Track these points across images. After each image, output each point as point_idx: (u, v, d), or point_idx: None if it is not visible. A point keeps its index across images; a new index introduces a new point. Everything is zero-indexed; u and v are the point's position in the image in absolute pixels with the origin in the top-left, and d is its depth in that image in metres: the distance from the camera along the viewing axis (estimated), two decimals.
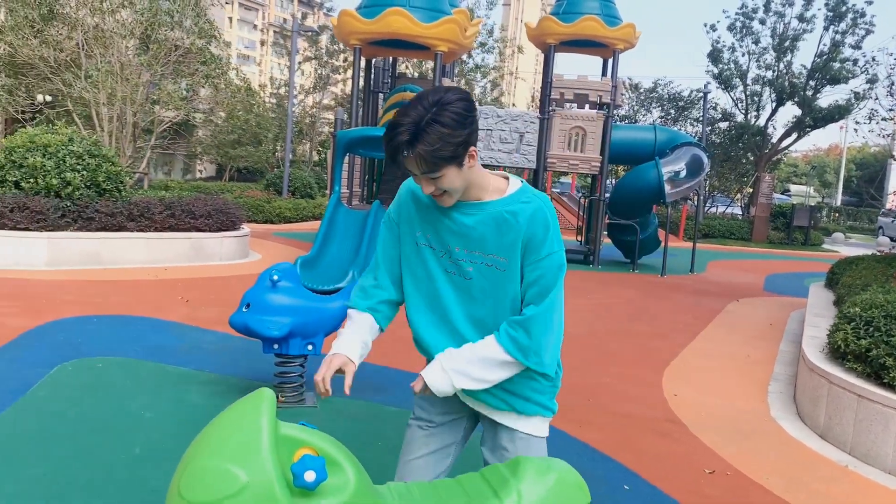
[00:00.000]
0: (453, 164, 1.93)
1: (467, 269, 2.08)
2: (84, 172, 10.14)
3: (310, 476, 1.61)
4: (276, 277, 4.87)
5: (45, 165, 9.86)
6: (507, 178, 2.11)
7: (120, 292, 8.41)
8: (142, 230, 10.58)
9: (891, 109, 14.17)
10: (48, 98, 13.41)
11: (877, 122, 16.08)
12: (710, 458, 4.72)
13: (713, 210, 33.63)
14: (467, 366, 2.04)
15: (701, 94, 30.21)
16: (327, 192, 10.37)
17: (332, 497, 1.67)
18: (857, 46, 27.90)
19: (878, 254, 11.52)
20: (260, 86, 36.25)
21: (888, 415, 4.74)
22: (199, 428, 4.36)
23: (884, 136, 14.05)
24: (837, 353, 5.57)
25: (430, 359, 2.18)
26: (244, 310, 4.84)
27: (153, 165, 24.70)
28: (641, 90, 35.53)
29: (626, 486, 4.10)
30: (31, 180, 9.85)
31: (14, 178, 9.89)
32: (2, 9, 12.18)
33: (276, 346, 4.92)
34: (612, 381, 6.33)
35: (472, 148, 1.96)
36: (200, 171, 33.19)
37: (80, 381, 5.18)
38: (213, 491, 1.58)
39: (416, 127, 1.88)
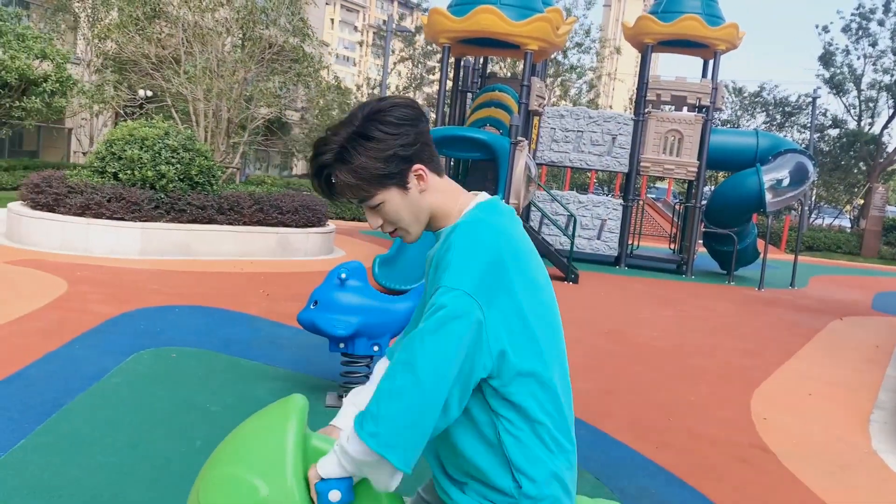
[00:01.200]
0: (390, 185, 1.54)
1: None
2: (178, 165, 10.45)
3: (334, 496, 1.51)
4: (343, 276, 4.79)
5: (141, 158, 10.21)
6: (475, 195, 1.65)
7: (204, 283, 8.59)
8: (231, 223, 10.82)
9: None
10: (149, 93, 13.96)
11: None
12: (799, 491, 4.32)
13: (819, 221, 31.87)
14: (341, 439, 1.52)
15: (809, 100, 28.69)
16: None
17: None
18: None
19: None
20: (356, 86, 36.85)
21: None
22: None
23: None
24: None
25: None
26: (312, 307, 4.79)
27: (249, 161, 25.49)
28: (745, 94, 34.08)
29: None
30: (129, 172, 10.22)
31: (113, 170, 10.29)
32: (114, 8, 12.75)
33: (341, 346, 4.84)
34: (696, 400, 5.95)
35: (418, 166, 1.55)
36: (295, 166, 34.03)
37: (153, 370, 5.25)
38: (231, 501, 1.52)
39: (340, 144, 1.53)
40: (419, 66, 33.57)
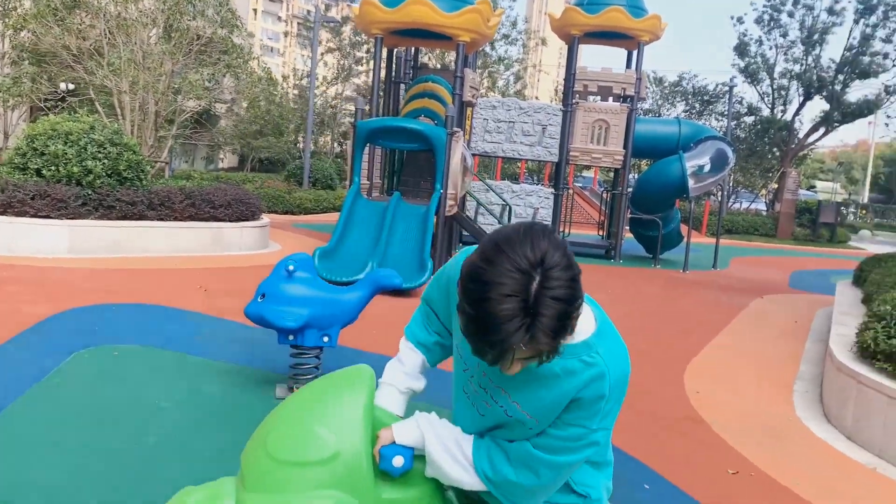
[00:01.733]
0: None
1: (483, 405, 1.64)
2: (105, 161, 10.16)
3: (398, 461, 1.61)
4: (291, 267, 4.80)
5: (66, 153, 9.88)
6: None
7: (139, 281, 8.41)
8: (162, 219, 10.59)
9: None
10: (71, 86, 13.46)
11: None
12: (733, 458, 4.60)
13: (737, 206, 33.21)
14: (441, 439, 1.64)
15: (726, 88, 29.82)
16: (347, 182, 10.30)
17: (412, 488, 1.66)
18: (888, 40, 27.35)
19: None
20: (283, 76, 36.29)
21: None
22: (215, 418, 4.33)
23: None
24: (867, 352, 5.41)
25: None
26: (259, 300, 4.78)
27: (176, 155, 24.85)
28: (666, 84, 35.14)
29: (646, 486, 3.99)
30: (53, 168, 9.88)
31: (36, 166, 9.93)
32: None
33: (291, 338, 4.85)
34: (632, 378, 6.18)
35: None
36: (222, 160, 33.31)
37: (96, 369, 5.16)
38: (304, 453, 1.58)
39: (524, 303, 1.30)
40: (347, 56, 33.32)
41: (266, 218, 12.68)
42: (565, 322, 1.32)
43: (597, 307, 1.63)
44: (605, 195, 19.47)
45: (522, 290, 1.29)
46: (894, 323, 5.30)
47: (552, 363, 1.49)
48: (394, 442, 1.63)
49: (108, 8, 11.79)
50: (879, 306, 5.76)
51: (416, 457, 1.66)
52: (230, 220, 11.40)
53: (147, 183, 10.83)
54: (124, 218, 10.22)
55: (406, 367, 1.87)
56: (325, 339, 4.90)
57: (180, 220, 10.76)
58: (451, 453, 1.63)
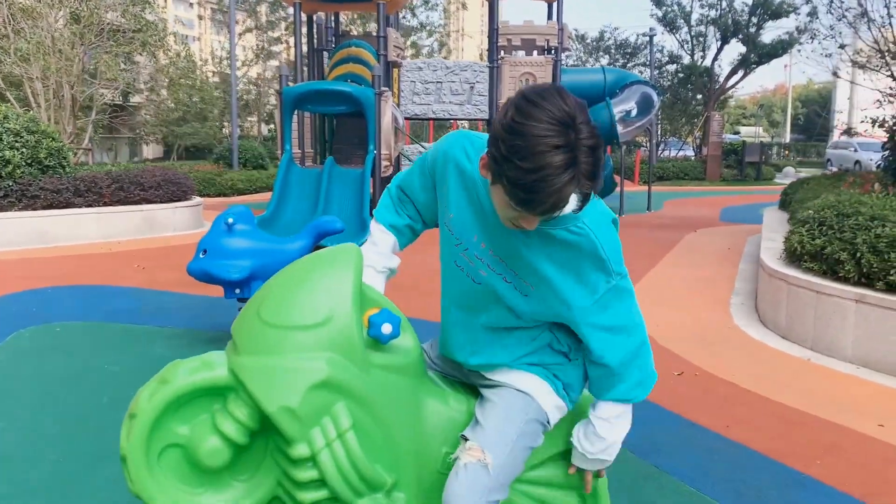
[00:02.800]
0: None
1: (482, 275, 1.72)
2: (24, 150, 9.79)
3: (386, 328, 1.66)
4: (231, 220, 4.78)
5: None
6: None
7: (73, 266, 8.19)
8: (90, 205, 10.28)
9: (831, 27, 14.40)
10: None
11: (819, 42, 16.35)
12: (678, 363, 4.81)
13: (666, 153, 33.98)
14: (601, 440, 1.80)
15: (647, 39, 30.34)
16: (278, 152, 10.18)
17: (397, 356, 1.72)
18: None
19: (828, 173, 11.77)
20: (202, 60, 35.32)
21: (846, 307, 4.87)
22: None
23: (826, 56, 14.32)
24: (794, 255, 5.69)
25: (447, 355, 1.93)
26: (201, 256, 4.75)
27: (96, 148, 24.03)
28: (589, 40, 35.53)
29: None
30: None
31: None
32: None
33: (237, 291, 4.84)
34: None
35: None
36: (147, 155, 32.38)
37: (40, 344, 5.05)
38: (298, 317, 1.62)
39: (572, 152, 1.38)
40: (264, 36, 32.62)
41: (198, 198, 12.44)
42: (597, 170, 1.41)
43: (593, 204, 1.72)
44: None
45: (568, 141, 1.37)
46: (817, 226, 5.58)
47: (544, 228, 1.59)
48: (382, 309, 1.69)
49: None
50: (802, 213, 6.05)
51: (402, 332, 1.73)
52: (161, 202, 11.15)
53: (71, 170, 10.50)
54: (50, 207, 9.90)
55: (380, 248, 1.94)
56: None
57: (110, 205, 10.47)
58: (606, 436, 1.81)
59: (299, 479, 1.60)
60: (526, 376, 1.82)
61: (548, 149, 1.36)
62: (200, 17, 47.43)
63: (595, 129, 1.42)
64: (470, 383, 1.94)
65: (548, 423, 1.84)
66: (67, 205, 10.04)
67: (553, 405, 1.83)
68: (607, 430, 1.78)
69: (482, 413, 1.79)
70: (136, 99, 21.48)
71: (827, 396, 4.19)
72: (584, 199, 1.45)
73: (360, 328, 1.66)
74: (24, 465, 3.17)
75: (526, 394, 1.80)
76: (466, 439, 1.74)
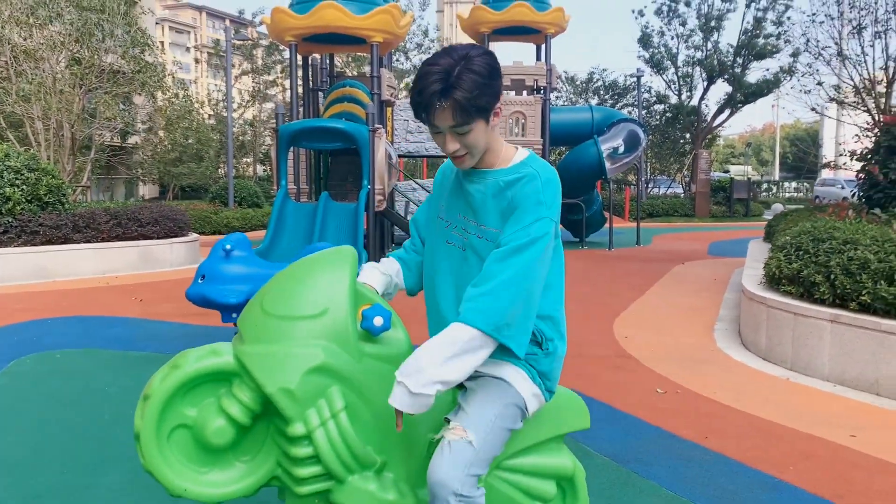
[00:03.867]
0: (484, 116, 1.85)
1: (464, 240, 2.01)
2: (24, 187, 10.00)
3: (378, 321, 1.85)
4: (228, 247, 4.97)
5: None
6: (516, 149, 2.03)
7: (72, 299, 8.33)
8: (88, 241, 10.46)
9: (809, 65, 14.86)
10: None
11: (797, 79, 16.81)
12: (661, 382, 4.97)
13: (656, 191, 34.43)
14: (426, 359, 1.78)
15: (635, 80, 30.99)
16: (273, 188, 10.41)
17: (388, 347, 1.92)
18: (778, 22, 28.94)
19: (810, 206, 12.06)
20: (199, 103, 35.87)
21: (822, 327, 5.06)
22: None
23: (805, 92, 14.75)
24: (773, 279, 5.89)
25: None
26: (200, 281, 4.92)
27: (94, 187, 24.29)
28: (578, 82, 36.25)
29: None
30: None
31: None
32: None
33: (234, 315, 5.00)
34: (569, 331, 6.54)
35: (499, 104, 1.89)
36: (143, 195, 32.68)
37: (41, 369, 5.19)
38: (296, 309, 1.82)
39: (447, 75, 1.79)
40: (260, 79, 33.22)
41: (195, 234, 12.63)
42: (481, 91, 1.80)
43: (535, 155, 2.02)
44: None
45: (447, 67, 1.80)
46: (794, 250, 5.79)
47: (497, 179, 1.93)
48: (374, 304, 1.88)
49: (11, 36, 11.60)
50: (780, 239, 6.27)
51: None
52: (158, 238, 11.34)
53: (70, 206, 10.69)
54: (49, 242, 10.07)
55: (381, 266, 2.17)
56: None
57: (108, 241, 10.65)
58: (445, 346, 1.80)
59: (296, 456, 1.77)
60: (503, 365, 1.99)
61: (428, 71, 1.83)
62: (197, 61, 48.21)
63: (493, 65, 1.83)
64: None
65: (526, 409, 2.01)
66: (66, 240, 10.21)
67: (530, 392, 2.00)
68: (424, 351, 1.78)
69: (464, 399, 1.98)
70: (133, 139, 21.78)
71: (803, 411, 4.35)
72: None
73: (353, 320, 1.85)
74: (32, 473, 3.31)
75: (503, 380, 1.98)
76: (449, 421, 1.92)
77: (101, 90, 12.13)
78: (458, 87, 1.79)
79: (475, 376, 2.02)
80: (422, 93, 1.82)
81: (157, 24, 48.57)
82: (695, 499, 3.13)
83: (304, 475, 1.78)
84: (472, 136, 1.87)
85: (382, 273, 2.13)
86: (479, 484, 1.89)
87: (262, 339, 1.79)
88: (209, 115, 34.66)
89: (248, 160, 36.81)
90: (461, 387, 2.06)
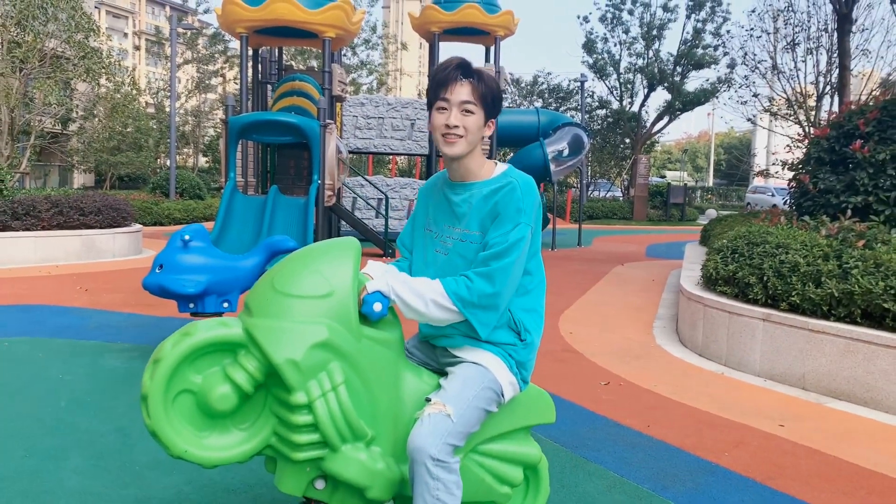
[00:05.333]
0: (487, 111, 2.13)
1: (448, 246, 2.21)
2: None
3: (377, 307, 2.05)
4: (187, 237, 4.99)
5: None
6: (496, 163, 2.24)
7: (12, 287, 8.16)
8: (28, 229, 10.22)
9: (745, 77, 15.51)
10: None
11: (735, 90, 17.51)
12: (604, 374, 5.22)
13: (596, 194, 35.20)
14: (412, 282, 2.11)
15: (578, 84, 31.62)
16: (222, 181, 10.35)
17: (385, 332, 2.10)
18: (716, 33, 29.95)
19: (744, 213, 12.61)
20: (136, 90, 35.07)
21: (754, 325, 5.39)
22: (122, 386, 4.55)
23: (742, 103, 15.40)
24: (710, 280, 6.22)
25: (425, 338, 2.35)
26: (157, 270, 4.94)
27: (27, 177, 23.48)
28: (523, 84, 36.76)
29: None
30: None
31: None
32: None
33: (191, 305, 5.03)
34: None
35: (493, 120, 2.17)
36: (83, 183, 31.71)
37: None
38: (305, 289, 1.99)
39: (471, 65, 2.13)
40: (203, 69, 32.67)
41: (138, 225, 12.44)
42: (494, 90, 2.12)
43: (514, 167, 2.24)
44: None
45: (471, 64, 2.14)
46: (730, 253, 6.13)
47: (481, 189, 2.16)
48: (373, 291, 2.06)
49: None
50: (716, 242, 6.62)
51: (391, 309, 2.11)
52: (101, 227, 11.14)
53: (8, 192, 10.42)
54: None
55: (387, 266, 2.31)
56: (225, 304, 5.12)
57: (48, 229, 10.42)
58: (417, 288, 2.09)
59: (296, 423, 1.91)
60: (483, 353, 2.20)
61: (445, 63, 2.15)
62: (137, 48, 46.95)
63: (496, 80, 2.14)
64: (441, 369, 2.30)
65: (502, 395, 2.20)
66: (4, 227, 9.96)
67: (507, 380, 2.20)
68: (405, 278, 2.11)
69: (445, 381, 2.17)
70: (73, 126, 21.18)
71: (736, 402, 4.65)
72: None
73: (355, 304, 2.02)
74: None
75: (482, 366, 2.17)
76: (430, 399, 2.09)
77: (43, 75, 11.81)
78: (480, 74, 2.11)
79: (457, 361, 2.21)
80: (446, 68, 2.10)
81: (95, 7, 47.20)
82: (640, 481, 3.35)
83: (302, 441, 1.92)
84: (473, 120, 2.10)
85: (386, 269, 2.26)
86: (455, 454, 2.05)
87: (271, 314, 1.94)
88: (148, 104, 33.89)
89: (189, 150, 36.12)
90: (443, 373, 2.24)
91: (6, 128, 11.49)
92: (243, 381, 1.91)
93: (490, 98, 2.12)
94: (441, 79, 2.11)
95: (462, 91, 2.09)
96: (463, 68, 2.11)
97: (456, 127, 2.09)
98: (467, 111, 2.09)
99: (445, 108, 2.10)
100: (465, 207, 2.17)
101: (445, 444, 1.99)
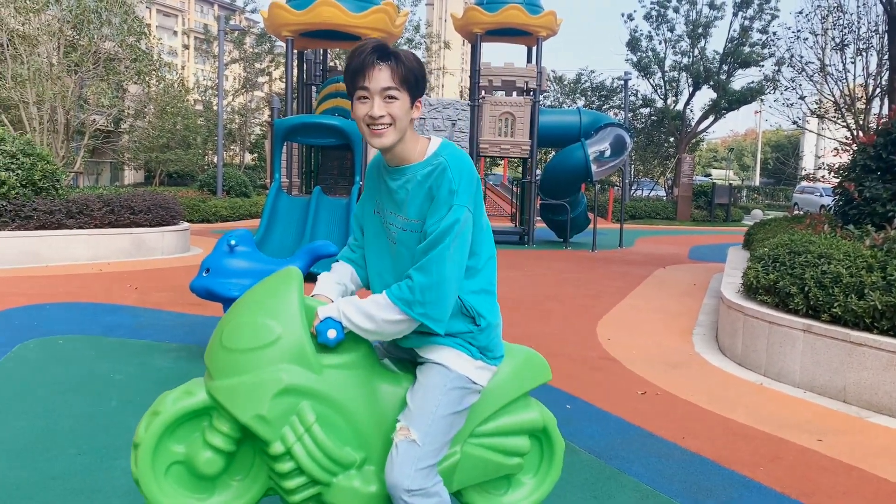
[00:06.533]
0: (411, 94, 2.02)
1: (393, 233, 2.14)
2: (19, 171, 10.08)
3: (331, 334, 2.03)
4: (233, 242, 5.15)
5: None
6: (429, 140, 2.13)
7: (66, 285, 8.46)
8: (81, 227, 10.57)
9: (792, 79, 15.25)
10: None
11: (780, 92, 17.21)
12: (641, 384, 5.23)
13: (639, 193, 34.85)
14: (360, 303, 2.06)
15: (622, 83, 31.34)
16: (267, 181, 10.57)
17: (347, 353, 2.10)
18: (764, 31, 29.41)
19: (789, 215, 12.41)
20: (186, 89, 35.81)
21: (794, 336, 5.34)
22: (169, 386, 4.72)
23: (788, 106, 15.13)
24: (750, 289, 6.17)
25: None
26: (204, 274, 5.10)
27: (80, 174, 24.21)
28: (566, 82, 36.58)
29: (567, 406, 4.55)
30: None
31: None
32: None
33: None
34: (551, 331, 6.82)
35: (420, 100, 2.05)
36: (128, 177, 32.56)
37: (45, 354, 5.34)
38: (253, 340, 1.98)
39: (387, 46, 2.01)
40: (251, 67, 33.21)
41: (186, 223, 12.75)
42: (414, 69, 2.01)
43: (449, 142, 2.14)
44: (515, 189, 20.24)
45: (386, 44, 2.02)
46: (771, 262, 6.07)
47: (415, 173, 2.07)
48: (323, 319, 2.04)
49: (8, 21, 11.63)
50: (758, 250, 6.56)
51: (348, 333, 2.08)
52: (151, 226, 11.46)
53: (63, 192, 10.79)
54: (42, 228, 10.17)
55: (335, 276, 2.34)
56: None
57: (100, 228, 10.76)
58: (365, 308, 2.04)
59: (281, 471, 1.98)
60: (441, 350, 2.15)
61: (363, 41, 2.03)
62: (186, 47, 47.91)
63: (417, 59, 2.04)
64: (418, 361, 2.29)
65: (475, 383, 2.18)
66: (59, 226, 10.32)
67: (472, 367, 2.16)
68: (354, 301, 2.06)
69: (410, 395, 2.15)
70: (123, 125, 21.78)
71: (774, 415, 4.63)
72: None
73: (309, 338, 2.02)
74: (46, 456, 3.49)
75: (442, 365, 2.14)
76: (398, 422, 2.11)
77: (97, 77, 12.19)
78: (398, 55, 1.99)
79: (420, 362, 2.19)
80: (362, 54, 1.98)
81: (146, 6, 48.34)
82: (672, 494, 3.38)
83: (292, 486, 1.98)
84: (398, 105, 1.99)
85: (336, 283, 2.28)
86: (437, 469, 2.09)
87: (228, 374, 1.96)
88: (196, 101, 34.57)
89: (236, 148, 36.77)
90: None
91: (62, 128, 11.88)
92: (222, 444, 1.97)
93: (413, 79, 2.00)
94: (357, 66, 1.98)
95: (381, 77, 1.97)
96: (379, 51, 1.98)
97: (381, 117, 1.99)
98: (390, 97, 1.99)
99: (367, 98, 2.00)
100: (403, 194, 2.09)
101: (417, 472, 2.01)
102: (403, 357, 2.33)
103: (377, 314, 2.01)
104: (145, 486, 1.96)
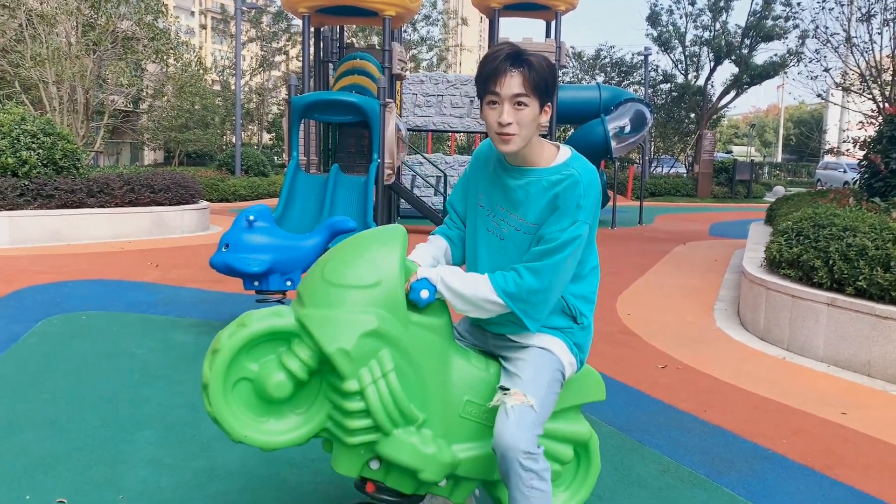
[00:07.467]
0: (540, 99, 2.03)
1: (503, 230, 2.19)
2: (40, 151, 10.16)
3: (424, 294, 2.10)
4: (252, 218, 5.16)
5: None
6: (558, 147, 2.16)
7: (89, 262, 8.54)
8: (102, 206, 10.65)
9: (816, 51, 14.95)
10: None
11: (805, 65, 16.89)
12: (662, 357, 5.20)
13: (659, 170, 34.52)
14: (462, 275, 2.14)
15: (642, 58, 30.93)
16: (284, 158, 10.56)
17: (432, 317, 2.16)
18: (787, 3, 28.84)
19: (811, 191, 12.23)
20: (203, 69, 35.89)
21: (818, 310, 5.27)
22: (192, 361, 4.74)
23: (812, 78, 14.86)
24: (773, 263, 6.10)
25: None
26: (224, 249, 5.12)
27: (99, 154, 24.37)
28: (585, 58, 36.15)
29: None
30: None
31: None
32: None
33: (256, 283, 5.22)
34: None
35: (549, 104, 2.06)
36: (154, 160, 32.77)
37: (69, 329, 5.41)
38: (354, 279, 2.05)
39: (521, 52, 2.02)
40: (268, 46, 33.17)
41: (205, 202, 12.82)
42: (546, 75, 2.01)
43: (579, 155, 2.18)
44: None
45: (519, 49, 2.04)
46: (795, 235, 5.99)
47: (541, 178, 2.10)
48: (420, 279, 2.11)
49: (26, 0, 11.67)
50: (781, 224, 6.47)
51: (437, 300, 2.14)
52: (170, 204, 11.53)
53: (84, 171, 10.87)
54: (64, 206, 10.26)
55: (430, 247, 2.38)
56: (288, 283, 5.28)
57: (121, 206, 10.84)
58: (467, 280, 2.11)
59: (349, 409, 1.99)
60: (546, 337, 2.23)
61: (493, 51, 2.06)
62: (203, 27, 47.91)
63: (552, 66, 2.04)
64: (490, 352, 2.35)
65: (564, 376, 2.24)
66: (81, 205, 10.41)
67: (567, 361, 2.24)
68: (458, 272, 2.14)
69: (516, 368, 2.19)
70: (144, 104, 21.88)
71: (797, 389, 4.58)
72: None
73: (403, 291, 2.07)
74: (71, 427, 3.54)
75: (548, 350, 2.21)
76: (505, 389, 2.13)
77: (115, 56, 12.22)
78: (530, 62, 2.00)
79: (523, 346, 2.23)
80: (495, 59, 2.01)
81: None
82: (694, 466, 3.36)
83: (355, 426, 2.00)
84: (527, 113, 2.01)
85: (431, 255, 2.33)
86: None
87: (322, 304, 2.01)
88: (214, 81, 34.62)
89: (254, 127, 36.84)
90: (497, 360, 2.29)
91: (81, 108, 11.94)
92: (297, 370, 1.99)
93: (543, 85, 2.01)
94: (489, 71, 2.01)
95: (513, 83, 1.99)
96: (512, 58, 2.00)
97: (510, 124, 2.01)
98: (520, 104, 2.00)
99: (496, 103, 2.02)
100: (522, 195, 2.13)
101: (533, 436, 2.06)
102: (477, 345, 2.39)
103: (475, 291, 2.10)
104: (213, 392, 1.98)
